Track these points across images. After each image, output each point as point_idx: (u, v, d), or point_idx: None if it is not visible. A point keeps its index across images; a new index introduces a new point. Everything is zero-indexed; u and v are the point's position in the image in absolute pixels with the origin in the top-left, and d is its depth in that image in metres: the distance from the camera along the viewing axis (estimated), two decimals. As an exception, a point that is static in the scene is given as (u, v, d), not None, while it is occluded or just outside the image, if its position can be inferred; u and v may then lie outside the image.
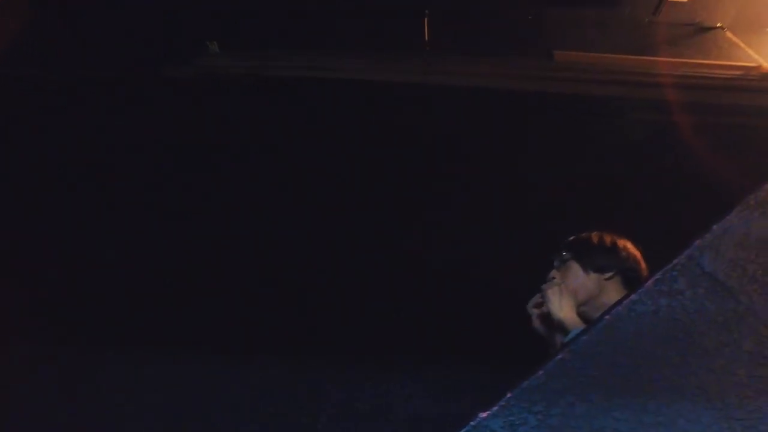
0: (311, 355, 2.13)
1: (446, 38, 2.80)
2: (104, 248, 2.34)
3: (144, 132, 2.54)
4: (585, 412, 0.87)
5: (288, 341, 2.12)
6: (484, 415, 0.85)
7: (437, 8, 2.82)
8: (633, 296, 0.98)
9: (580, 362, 0.91)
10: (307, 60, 2.69)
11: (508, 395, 0.86)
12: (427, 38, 2.80)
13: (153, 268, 2.26)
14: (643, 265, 1.36)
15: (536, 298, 1.36)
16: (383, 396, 2.04)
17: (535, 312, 1.35)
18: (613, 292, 1.30)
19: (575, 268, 1.34)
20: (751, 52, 2.78)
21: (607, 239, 1.37)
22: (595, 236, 1.38)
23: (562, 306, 1.25)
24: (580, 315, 1.29)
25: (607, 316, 0.96)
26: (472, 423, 0.85)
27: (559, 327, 1.26)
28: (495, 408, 0.86)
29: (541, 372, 0.89)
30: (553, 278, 1.35)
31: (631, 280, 1.32)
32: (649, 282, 1.00)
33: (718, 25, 2.96)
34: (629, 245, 1.37)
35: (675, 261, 1.01)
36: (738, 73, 2.65)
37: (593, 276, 1.32)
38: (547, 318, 1.30)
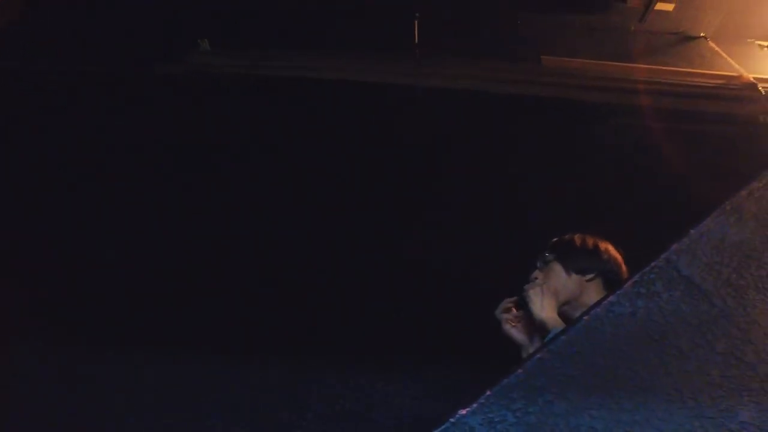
0: (311, 355, 2.12)
1: (436, 41, 2.81)
2: (104, 248, 2.32)
3: (136, 129, 2.52)
4: (563, 410, 0.88)
5: (288, 341, 2.12)
6: (463, 411, 0.86)
7: (428, 12, 2.84)
8: (611, 297, 1.00)
9: (558, 361, 0.92)
10: (297, 60, 2.69)
11: (488, 393, 0.88)
12: (417, 41, 2.81)
13: (153, 268, 2.25)
14: (623, 267, 1.39)
15: (505, 303, 1.38)
16: (383, 396, 2.05)
17: (504, 317, 1.37)
18: (594, 294, 1.32)
19: (557, 269, 1.36)
20: (732, 61, 2.84)
21: (590, 242, 1.39)
22: (577, 238, 1.40)
23: (543, 306, 1.27)
24: (562, 315, 1.31)
25: (585, 317, 0.98)
26: (451, 420, 0.86)
27: (540, 327, 1.28)
28: (474, 405, 0.87)
29: (520, 370, 0.90)
30: (536, 279, 1.37)
31: (611, 282, 1.34)
32: (628, 284, 1.02)
33: (702, 34, 3.02)
34: (611, 248, 1.40)
35: (653, 264, 1.04)
36: (720, 82, 2.71)
37: (575, 277, 1.35)
38: (525, 320, 1.32)
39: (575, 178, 2.41)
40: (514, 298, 1.37)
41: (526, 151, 2.51)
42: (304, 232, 2.40)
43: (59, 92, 2.57)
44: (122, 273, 2.25)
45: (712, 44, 2.97)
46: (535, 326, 1.32)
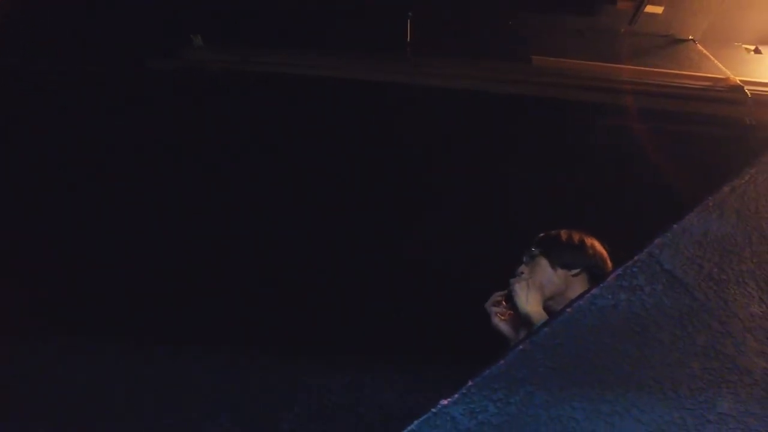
0: (312, 355, 2.12)
1: (429, 41, 2.82)
2: (104, 248, 2.31)
3: (128, 125, 2.51)
4: (543, 401, 0.89)
5: (288, 341, 2.11)
6: (445, 402, 0.86)
7: (420, 11, 2.85)
8: (594, 290, 1.00)
9: (540, 353, 0.93)
10: (290, 56, 2.69)
11: (470, 383, 0.88)
12: (409, 40, 2.82)
13: (153, 268, 2.24)
14: (609, 262, 1.39)
15: (495, 297, 1.38)
16: (383, 396, 2.04)
17: (493, 310, 1.37)
18: (579, 288, 1.32)
19: (543, 264, 1.36)
20: (719, 64, 2.88)
21: (575, 237, 1.40)
22: (563, 234, 1.41)
23: (529, 300, 1.27)
24: (547, 309, 1.31)
25: (568, 309, 0.98)
26: (433, 410, 0.86)
27: (526, 321, 1.29)
28: (456, 395, 0.87)
29: (501, 362, 0.90)
30: (522, 273, 1.37)
31: (596, 276, 1.35)
32: (611, 277, 1.03)
33: (690, 37, 3.06)
34: (596, 243, 1.41)
35: (636, 257, 1.04)
36: (706, 84, 2.74)
37: (560, 272, 1.35)
38: (514, 311, 1.32)
39: (564, 175, 2.42)
40: (504, 292, 1.38)
41: (516, 150, 2.52)
42: (302, 231, 2.39)
43: (49, 88, 2.55)
44: (122, 273, 2.24)
45: (700, 47, 3.01)
46: (520, 320, 1.32)
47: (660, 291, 1.01)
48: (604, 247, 1.42)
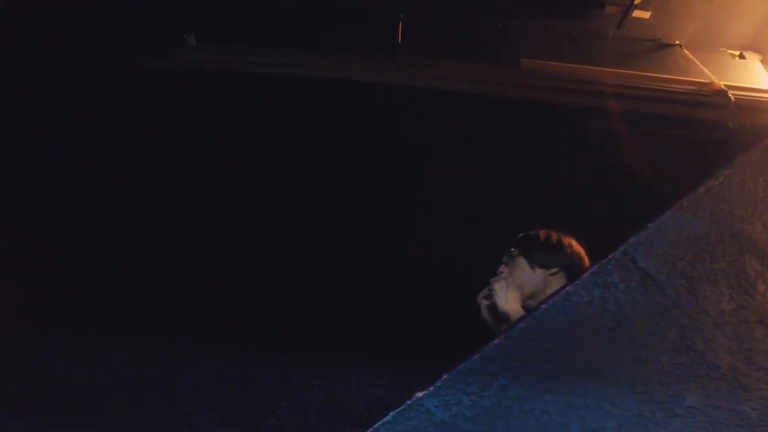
0: (311, 355, 2.12)
1: (419, 42, 2.85)
2: (104, 248, 2.30)
3: (121, 125, 2.50)
4: (517, 394, 0.91)
5: (288, 341, 2.11)
6: (420, 394, 0.88)
7: (412, 13, 2.87)
8: (569, 287, 1.03)
9: (515, 347, 0.95)
10: (284, 56, 2.70)
11: (444, 376, 0.90)
12: (400, 41, 2.84)
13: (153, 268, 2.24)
14: (586, 261, 1.42)
15: (485, 291, 1.40)
16: (383, 395, 2.05)
17: (483, 303, 1.40)
18: (557, 287, 1.34)
19: (522, 264, 1.39)
20: (705, 69, 2.92)
21: (554, 237, 1.42)
22: (542, 234, 1.43)
23: (507, 299, 1.30)
24: (525, 308, 1.34)
25: (543, 305, 1.01)
26: (408, 402, 0.88)
27: (505, 319, 1.31)
28: (431, 388, 0.89)
29: (476, 356, 0.92)
30: (501, 272, 1.39)
31: (574, 275, 1.37)
32: (586, 274, 1.05)
33: (677, 42, 3.11)
34: (574, 243, 1.43)
35: (610, 255, 1.07)
36: (692, 88, 2.79)
37: (539, 271, 1.38)
38: (494, 309, 1.35)
39: (552, 177, 2.45)
40: None
41: (504, 152, 2.55)
42: (301, 231, 2.39)
43: (43, 88, 2.54)
44: (122, 273, 2.24)
45: (686, 52, 3.06)
46: (500, 318, 1.35)
47: (633, 288, 1.03)
48: (582, 246, 1.44)
